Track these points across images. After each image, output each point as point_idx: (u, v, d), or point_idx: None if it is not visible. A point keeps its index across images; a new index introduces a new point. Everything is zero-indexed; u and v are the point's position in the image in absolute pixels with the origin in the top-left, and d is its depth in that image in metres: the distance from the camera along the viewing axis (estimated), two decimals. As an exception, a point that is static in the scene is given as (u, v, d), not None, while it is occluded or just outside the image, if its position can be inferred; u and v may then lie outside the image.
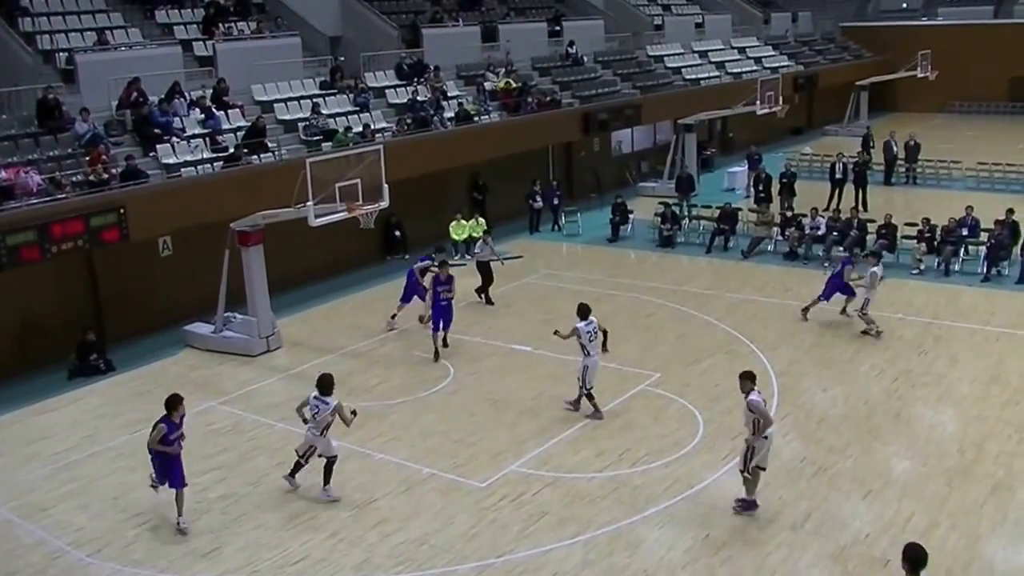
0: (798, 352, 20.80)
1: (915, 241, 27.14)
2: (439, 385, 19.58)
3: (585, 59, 40.91)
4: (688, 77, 45.19)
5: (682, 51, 47.70)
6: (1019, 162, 37.38)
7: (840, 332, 21.98)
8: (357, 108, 29.89)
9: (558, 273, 27.84)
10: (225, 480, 15.93)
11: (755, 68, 49.72)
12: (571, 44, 40.38)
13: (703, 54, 48.86)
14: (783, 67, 51.39)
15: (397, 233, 29.64)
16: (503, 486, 15.33)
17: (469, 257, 28.93)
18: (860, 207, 32.66)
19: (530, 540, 13.75)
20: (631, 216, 32.02)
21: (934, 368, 19.74)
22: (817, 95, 53.77)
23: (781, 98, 41.21)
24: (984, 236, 26.92)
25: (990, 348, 20.80)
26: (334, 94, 30.27)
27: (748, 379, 14.31)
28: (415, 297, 22.90)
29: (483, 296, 25.13)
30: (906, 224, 27.86)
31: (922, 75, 53.67)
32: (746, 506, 14.39)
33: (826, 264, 26.53)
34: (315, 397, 14.99)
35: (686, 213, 32.57)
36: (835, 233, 27.92)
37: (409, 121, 30.05)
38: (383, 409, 18.42)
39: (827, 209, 31.08)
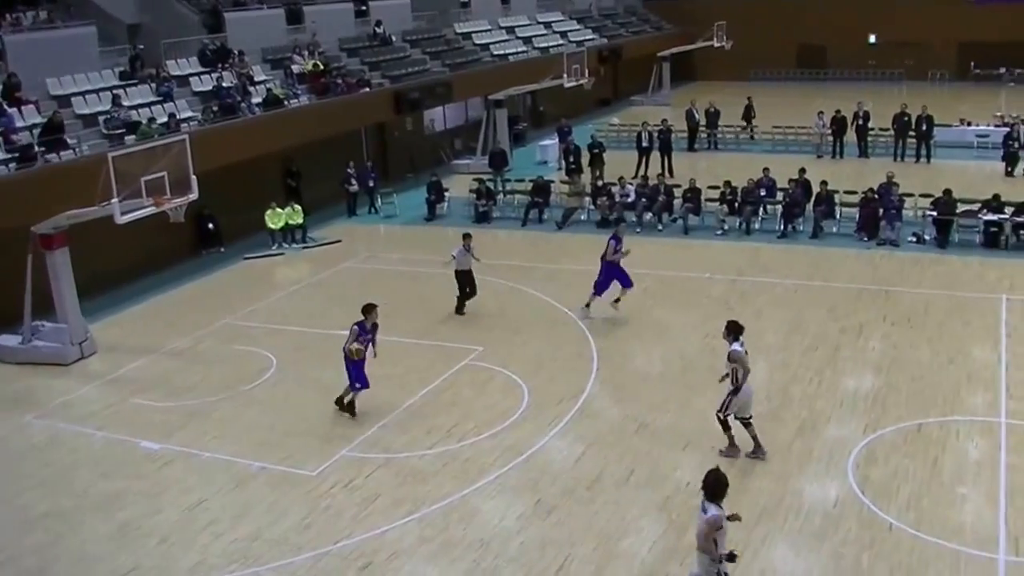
0: (613, 316, 21.58)
1: (718, 203, 28.48)
2: (262, 377, 19.46)
3: (393, 38, 40.93)
4: (496, 53, 45.77)
5: (489, 27, 48.27)
6: (809, 125, 39.43)
7: (655, 295, 22.90)
8: (160, 98, 29.03)
9: (378, 255, 27.99)
10: (49, 496, 15.35)
11: (561, 42, 50.72)
12: (378, 24, 40.30)
13: (510, 30, 49.54)
14: (588, 40, 52.56)
15: (210, 226, 29.10)
16: (334, 473, 15.44)
17: (287, 246, 28.79)
18: (666, 173, 33.96)
19: (365, 523, 13.93)
20: (447, 194, 32.38)
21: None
22: (622, 67, 55.32)
23: (587, 71, 42.33)
24: (780, 195, 28.49)
25: (789, 300, 22.13)
26: (135, 84, 29.30)
27: (732, 330, 14.98)
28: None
29: (460, 308, 22.45)
30: (709, 187, 29.22)
31: (718, 45, 55.94)
32: (729, 450, 15.15)
33: (638, 230, 27.56)
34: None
35: (500, 188, 33.17)
36: (644, 199, 28.99)
37: (215, 109, 29.46)
38: (207, 406, 18.21)
39: (635, 177, 32.18)
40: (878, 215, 26.65)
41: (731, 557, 10.43)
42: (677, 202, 28.96)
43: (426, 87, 37.50)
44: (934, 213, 26.56)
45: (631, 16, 62.67)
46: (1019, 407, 16.49)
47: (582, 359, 19.32)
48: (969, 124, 39.66)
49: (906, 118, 36.84)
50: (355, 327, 16.96)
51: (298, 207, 29.74)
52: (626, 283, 21.36)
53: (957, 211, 26.53)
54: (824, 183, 28.00)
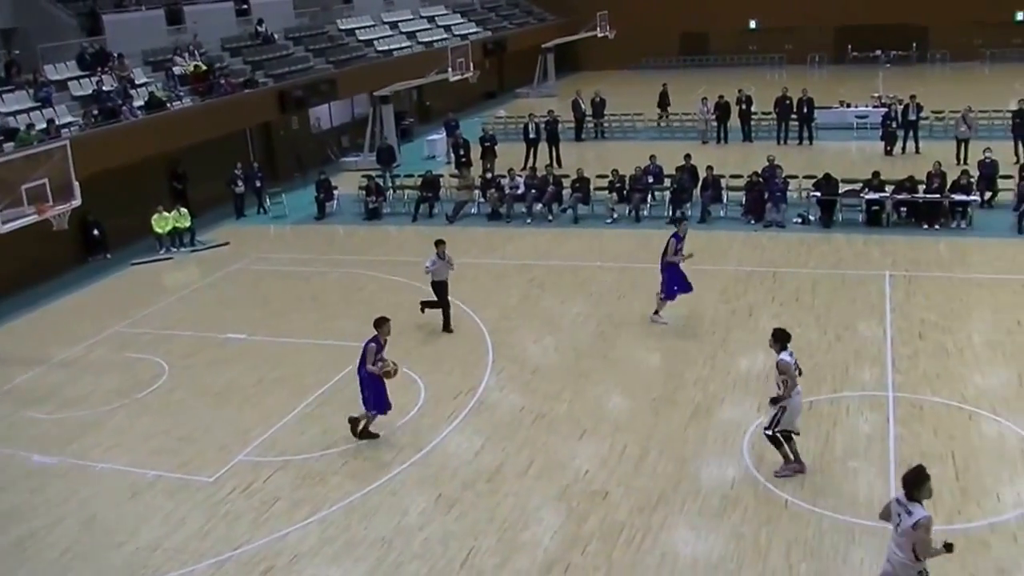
0: (507, 308, 21.65)
1: (607, 192, 28.74)
2: (155, 385, 19.01)
3: (276, 36, 40.35)
4: (381, 49, 45.46)
5: (373, 23, 47.89)
6: (693, 111, 40.04)
7: (547, 286, 23.02)
8: (39, 103, 28.23)
9: (268, 256, 27.57)
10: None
11: (446, 36, 50.64)
12: (260, 22, 39.69)
13: (394, 25, 49.23)
14: (472, 34, 52.57)
15: (96, 232, 28.31)
16: (232, 478, 15.17)
17: (175, 250, 28.22)
18: (555, 164, 34.17)
19: (266, 528, 13.72)
20: (336, 192, 32.07)
21: (634, 309, 21.09)
22: (507, 59, 55.45)
23: (472, 64, 42.32)
24: (668, 182, 28.88)
25: (681, 285, 22.44)
26: (12, 90, 28.44)
27: (778, 338, 13.95)
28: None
29: (447, 324, 20.79)
30: (598, 176, 29.47)
31: (602, 34, 56.42)
32: (784, 469, 14.12)
33: (528, 221, 27.69)
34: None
35: (390, 184, 32.97)
36: (533, 191, 29.11)
37: (96, 113, 28.74)
38: (100, 416, 17.74)
39: (524, 168, 32.29)
40: (764, 198, 27.21)
41: (949, 548, 9.69)
42: (566, 192, 29.16)
43: (311, 85, 37.08)
44: (818, 194, 27.20)
45: (514, 8, 62.86)
46: (905, 380, 16.98)
47: (477, 353, 19.31)
48: (848, 106, 40.72)
49: (788, 101, 37.65)
50: (372, 344, 15.60)
51: (185, 210, 29.16)
52: (681, 289, 20.17)
53: (840, 191, 27.21)
54: (710, 168, 28.47)
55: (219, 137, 32.37)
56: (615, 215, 28.26)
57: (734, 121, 38.80)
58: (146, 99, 30.58)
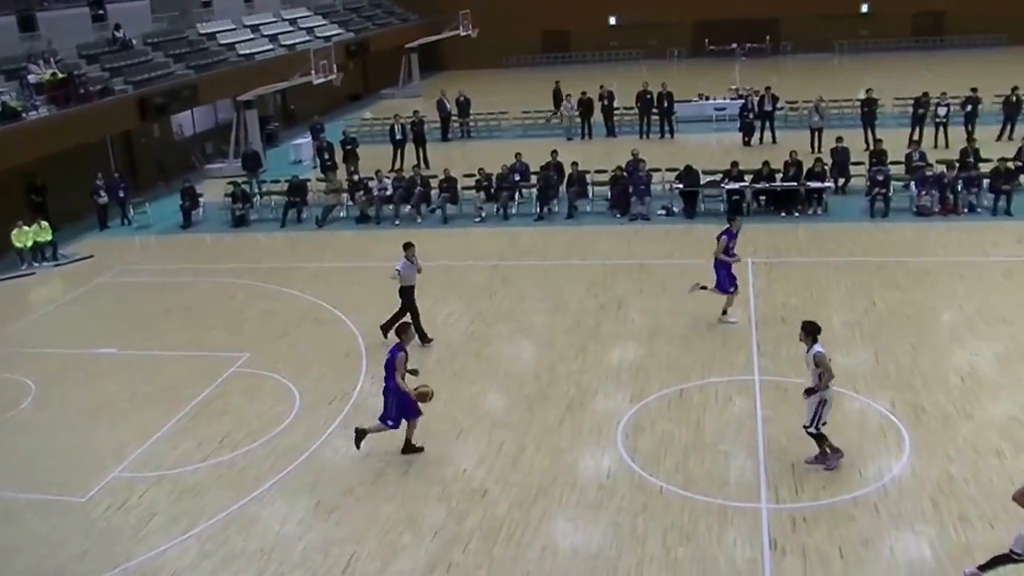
0: (381, 312, 21.39)
1: (474, 191, 28.91)
2: (22, 405, 18.38)
3: (134, 42, 39.29)
4: (243, 52, 44.73)
5: (233, 26, 47.12)
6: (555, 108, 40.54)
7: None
8: None
9: (134, 268, 26.90)
10: None
11: (308, 38, 50.08)
12: (117, 27, 38.56)
13: (255, 28, 48.53)
14: (335, 35, 52.18)
15: (-53, 249, 27.31)
16: (107, 496, 14.80)
17: (37, 265, 27.33)
18: (422, 164, 34.21)
19: (144, 544, 13.43)
20: (201, 200, 31.47)
21: (504, 306, 21.29)
22: (370, 60, 55.21)
23: (335, 66, 42.00)
24: (534, 179, 29.19)
25: (550, 280, 22.74)
26: None
27: (809, 332, 13.92)
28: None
29: (423, 335, 19.59)
30: (465, 176, 29.63)
31: (464, 33, 56.58)
32: (830, 459, 14.08)
33: (397, 223, 27.70)
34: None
35: (256, 190, 32.54)
36: (401, 192, 29.08)
37: (-57, 126, 27.62)
38: (-41, 440, 17.13)
39: (392, 170, 32.25)
40: (628, 192, 27.74)
41: None
42: (434, 192, 29.23)
43: (171, 91, 36.30)
44: (680, 186, 27.85)
45: (376, 9, 62.59)
46: (769, 364, 17.56)
47: (351, 357, 19.22)
48: (707, 99, 41.79)
49: (648, 96, 38.41)
50: (401, 354, 14.87)
51: (45, 223, 28.23)
52: (728, 285, 19.76)
53: (701, 182, 27.91)
54: (575, 164, 28.86)
55: (78, 147, 31.42)
56: (483, 214, 28.45)
57: (597, 117, 39.41)
58: (0, 109, 29.49)
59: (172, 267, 26.46)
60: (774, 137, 36.00)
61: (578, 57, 63.64)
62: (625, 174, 28.17)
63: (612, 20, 63.57)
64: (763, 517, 12.99)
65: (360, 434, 15.36)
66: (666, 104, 38.14)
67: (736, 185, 27.42)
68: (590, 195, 28.83)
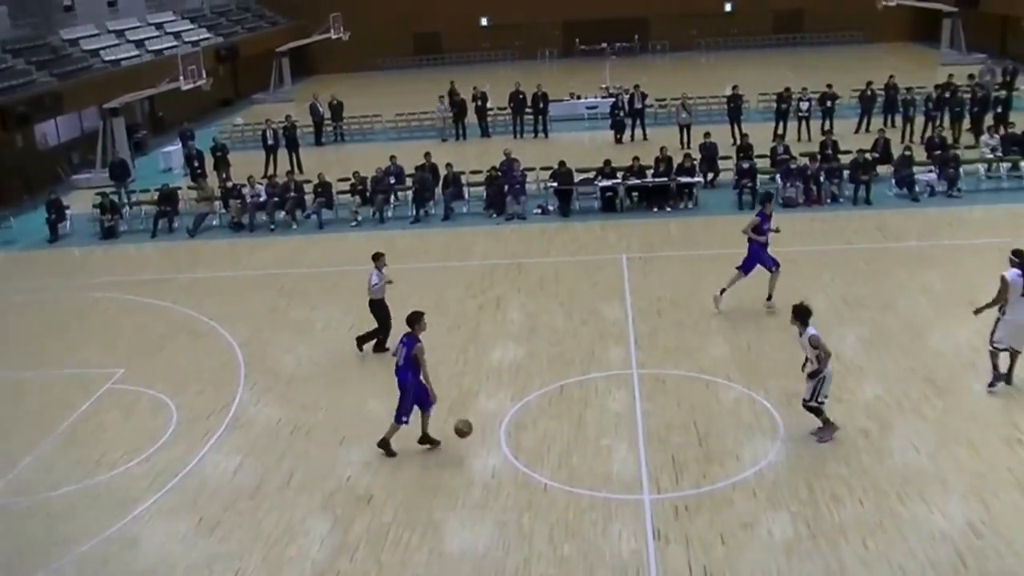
0: (256, 321, 21.27)
1: (350, 195, 28.72)
2: None
3: (-9, 50, 38.04)
4: (108, 59, 43.58)
5: (97, 32, 45.84)
6: (431, 110, 40.44)
7: (294, 294, 22.79)
8: None
9: (-3, 286, 26.02)
10: None
11: (175, 43, 49.06)
12: (-28, 35, 37.31)
13: (120, 33, 47.32)
14: (203, 40, 51.32)
15: None
16: (-22, 523, 14.31)
17: None
18: (295, 170, 33.86)
19: (21, 572, 12.97)
20: (68, 212, 30.48)
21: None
22: (241, 65, 54.32)
23: (205, 71, 41.23)
24: (409, 181, 29.15)
25: (428, 283, 22.68)
26: None
27: (800, 315, 14.40)
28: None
29: (373, 344, 19.13)
30: (339, 180, 29.39)
31: (336, 36, 56.10)
32: (825, 433, 14.64)
33: (272, 229, 27.41)
34: None
35: (125, 200, 31.70)
36: (275, 198, 28.72)
37: None
38: None
39: (265, 176, 31.82)
40: (504, 191, 27.90)
41: None
42: (309, 198, 28.92)
43: (34, 100, 35.11)
44: (555, 184, 28.14)
45: (245, 12, 61.63)
46: (647, 357, 17.89)
47: (229, 368, 18.89)
48: (579, 97, 42.31)
49: (521, 96, 38.73)
50: (419, 344, 14.82)
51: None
52: (750, 266, 19.87)
53: (575, 181, 28.24)
54: (449, 165, 28.92)
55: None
56: (359, 218, 28.25)
57: (471, 117, 39.53)
58: None
59: (39, 283, 25.58)
60: (644, 134, 36.69)
61: (450, 58, 63.73)
62: (500, 174, 28.34)
63: (484, 21, 63.84)
64: (646, 508, 13.23)
65: (385, 445, 15.09)
66: (540, 104, 38.47)
67: (609, 182, 27.84)
68: (466, 196, 28.95)
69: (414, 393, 14.94)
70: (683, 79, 47.25)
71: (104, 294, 23.97)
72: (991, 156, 28.93)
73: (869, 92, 35.90)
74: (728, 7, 63.00)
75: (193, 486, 14.74)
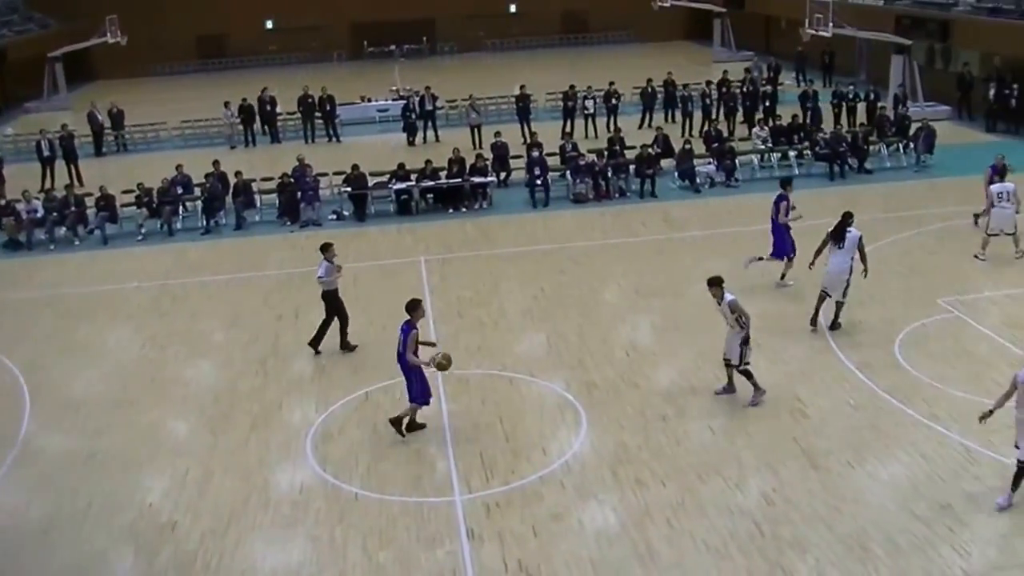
0: (40, 345, 20.07)
1: (135, 207, 27.58)
2: None
3: None
4: None
5: None
6: (217, 116, 39.38)
7: (79, 314, 21.72)
8: None
9: None
10: None
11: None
12: None
13: None
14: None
15: None
16: None
17: None
18: (75, 182, 32.23)
19: None
20: None
21: (177, 326, 20.48)
22: (8, 70, 51.39)
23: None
24: (198, 191, 28.27)
25: (223, 296, 22.14)
26: None
27: (717, 284, 15.24)
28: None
29: (339, 343, 18.71)
30: (123, 192, 28.20)
31: (112, 40, 53.68)
32: (755, 396, 15.58)
33: (52, 247, 26.15)
34: None
35: None
36: (54, 213, 27.31)
37: None
38: None
39: (41, 190, 30.32)
40: (297, 198, 27.42)
41: None
42: (91, 212, 27.59)
43: None
44: (349, 189, 27.87)
45: (12, 14, 58.17)
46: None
47: (12, 398, 17.60)
48: (369, 100, 42.05)
49: (310, 100, 38.19)
50: (414, 331, 15.08)
51: None
52: (781, 251, 20.44)
53: (369, 184, 28.05)
54: (239, 173, 28.24)
55: None
56: (145, 231, 27.15)
57: (260, 123, 38.73)
58: None
59: None
60: (437, 136, 36.80)
61: (236, 62, 62.17)
62: (292, 180, 27.84)
63: (269, 24, 62.61)
64: (458, 508, 13.28)
65: (397, 423, 15.27)
66: (328, 107, 38.05)
67: (403, 185, 27.78)
68: (258, 204, 28.30)
69: (418, 376, 15.11)
70: (472, 80, 47.65)
71: None
72: (763, 147, 30.48)
73: (650, 89, 37.32)
74: (513, 8, 64.00)
75: None
